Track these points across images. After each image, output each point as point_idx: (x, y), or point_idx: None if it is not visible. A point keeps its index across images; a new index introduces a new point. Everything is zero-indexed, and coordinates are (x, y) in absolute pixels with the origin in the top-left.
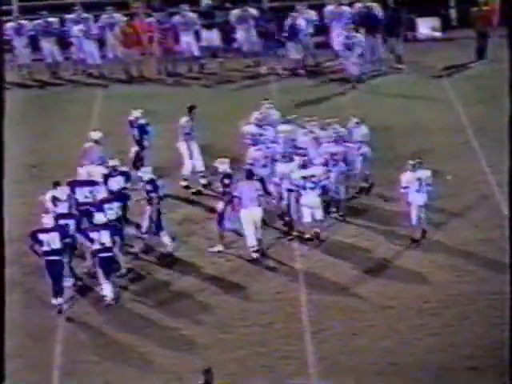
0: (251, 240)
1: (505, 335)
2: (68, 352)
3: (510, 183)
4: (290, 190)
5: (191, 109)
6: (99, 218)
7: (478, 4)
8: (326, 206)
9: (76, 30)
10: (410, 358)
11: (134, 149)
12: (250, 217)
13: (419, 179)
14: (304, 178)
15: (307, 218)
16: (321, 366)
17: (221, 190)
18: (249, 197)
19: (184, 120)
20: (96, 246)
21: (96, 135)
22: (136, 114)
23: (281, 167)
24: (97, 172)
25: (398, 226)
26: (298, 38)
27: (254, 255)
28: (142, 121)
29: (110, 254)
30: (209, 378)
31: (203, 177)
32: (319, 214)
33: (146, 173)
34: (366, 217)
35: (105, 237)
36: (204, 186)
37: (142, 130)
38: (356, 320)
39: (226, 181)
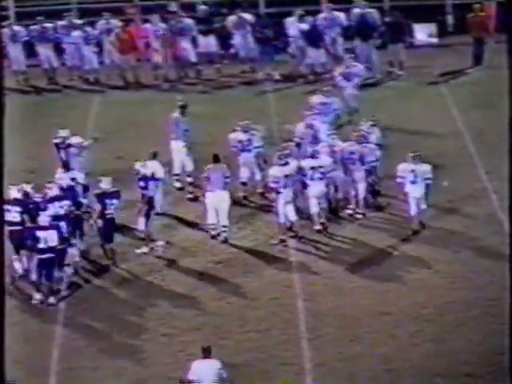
0: (211, 220)
1: (501, 342)
2: (65, 358)
3: (510, 190)
4: (278, 193)
5: (183, 108)
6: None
7: (474, 10)
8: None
9: (75, 35)
10: (406, 364)
11: (60, 172)
12: (215, 200)
13: (413, 171)
14: (313, 168)
15: (314, 209)
16: (318, 372)
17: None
18: (215, 180)
19: (178, 118)
20: (41, 246)
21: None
22: (63, 133)
23: (275, 170)
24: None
25: (396, 233)
26: (320, 43)
27: (213, 232)
28: (70, 141)
29: (53, 255)
30: (207, 355)
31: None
32: (325, 204)
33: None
34: (363, 222)
35: (52, 237)
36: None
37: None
38: (353, 326)
39: (142, 183)
